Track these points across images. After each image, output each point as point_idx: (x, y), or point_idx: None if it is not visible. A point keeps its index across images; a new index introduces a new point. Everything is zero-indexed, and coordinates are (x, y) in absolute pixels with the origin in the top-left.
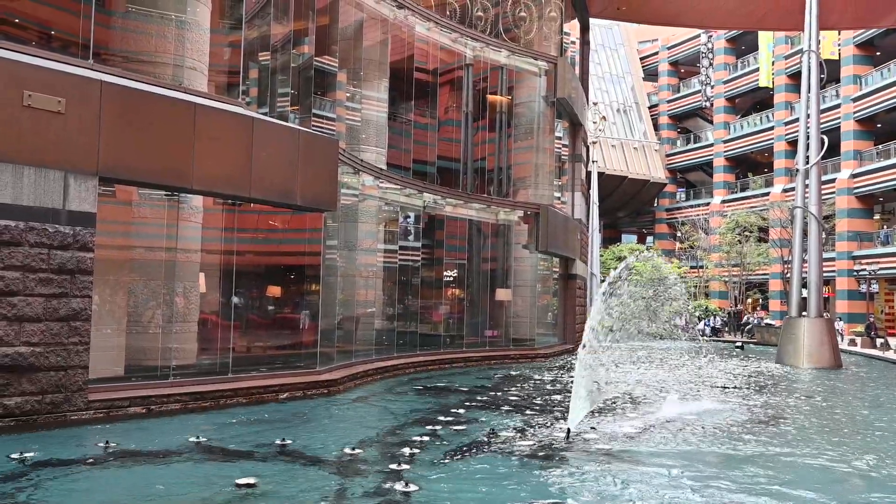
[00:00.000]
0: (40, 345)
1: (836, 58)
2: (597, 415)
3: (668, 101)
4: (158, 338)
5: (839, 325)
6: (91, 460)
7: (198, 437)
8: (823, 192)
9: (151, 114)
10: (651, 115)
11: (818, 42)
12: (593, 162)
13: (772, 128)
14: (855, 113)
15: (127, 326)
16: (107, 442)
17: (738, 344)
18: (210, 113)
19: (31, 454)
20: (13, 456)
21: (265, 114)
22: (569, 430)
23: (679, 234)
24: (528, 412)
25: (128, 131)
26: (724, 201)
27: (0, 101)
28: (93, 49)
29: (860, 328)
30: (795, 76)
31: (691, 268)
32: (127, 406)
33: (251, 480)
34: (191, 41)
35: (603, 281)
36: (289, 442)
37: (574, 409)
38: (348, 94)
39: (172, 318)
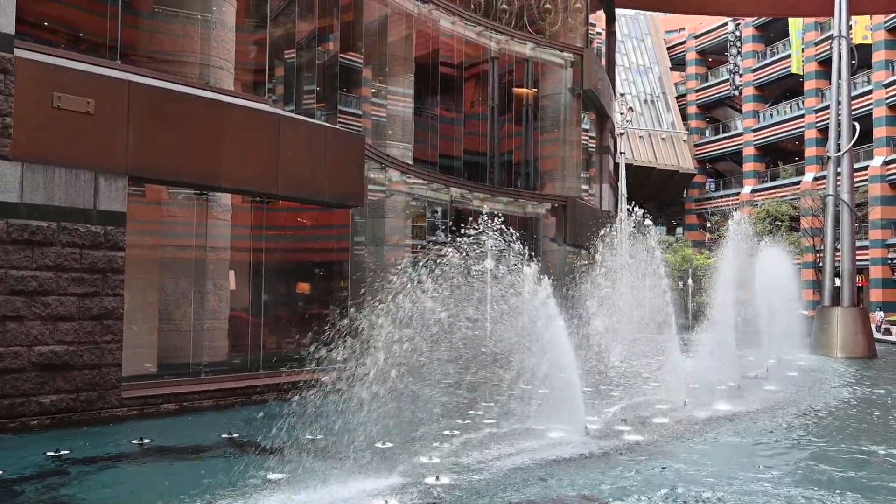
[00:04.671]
0: (74, 343)
1: (869, 42)
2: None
3: (696, 91)
4: (190, 335)
5: (879, 314)
6: (125, 457)
7: (230, 433)
8: (856, 179)
9: (179, 113)
10: (679, 105)
11: (849, 27)
12: (621, 153)
13: (802, 115)
14: (887, 99)
15: (158, 324)
16: (141, 438)
17: None
18: (237, 111)
19: (67, 451)
20: (49, 453)
21: (291, 111)
22: (586, 427)
23: (709, 224)
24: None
25: (156, 130)
26: (754, 191)
27: (30, 104)
28: (120, 50)
29: (895, 317)
30: (825, 63)
31: None
32: (160, 403)
33: (282, 476)
34: (217, 40)
35: None
36: (319, 438)
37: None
38: (374, 90)
39: (203, 315)
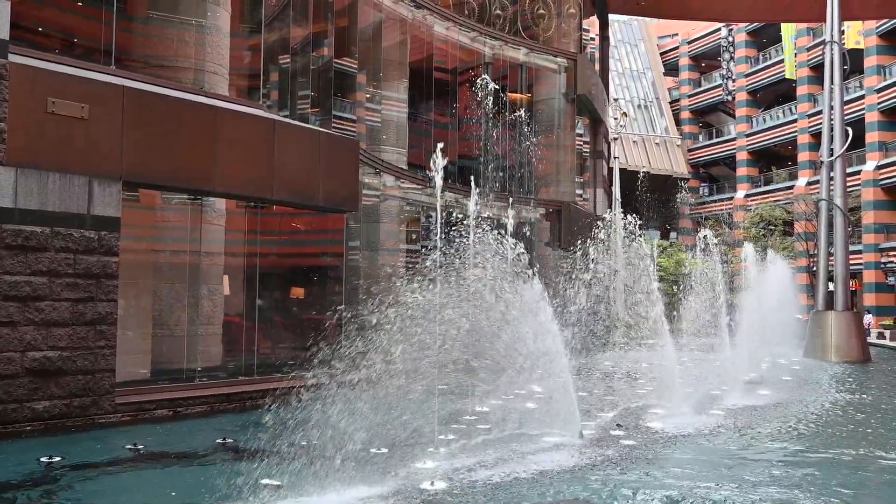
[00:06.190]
0: (67, 349)
1: (861, 47)
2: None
3: (690, 96)
4: (184, 340)
5: (867, 318)
6: (119, 463)
7: (224, 439)
8: (848, 184)
9: (173, 118)
10: (672, 111)
11: (841, 32)
12: (615, 158)
13: (795, 120)
14: (879, 104)
15: (152, 329)
16: (135, 444)
17: None
18: (231, 116)
19: (61, 457)
20: (42, 459)
21: (286, 116)
22: (581, 432)
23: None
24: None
25: (150, 136)
26: (747, 195)
27: (24, 109)
28: (115, 55)
29: (889, 321)
30: (818, 68)
31: None
32: (154, 409)
33: (276, 482)
34: (211, 45)
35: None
36: (314, 443)
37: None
38: (368, 95)
39: (197, 320)
